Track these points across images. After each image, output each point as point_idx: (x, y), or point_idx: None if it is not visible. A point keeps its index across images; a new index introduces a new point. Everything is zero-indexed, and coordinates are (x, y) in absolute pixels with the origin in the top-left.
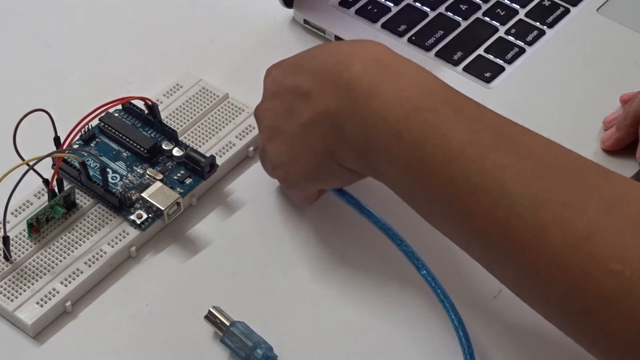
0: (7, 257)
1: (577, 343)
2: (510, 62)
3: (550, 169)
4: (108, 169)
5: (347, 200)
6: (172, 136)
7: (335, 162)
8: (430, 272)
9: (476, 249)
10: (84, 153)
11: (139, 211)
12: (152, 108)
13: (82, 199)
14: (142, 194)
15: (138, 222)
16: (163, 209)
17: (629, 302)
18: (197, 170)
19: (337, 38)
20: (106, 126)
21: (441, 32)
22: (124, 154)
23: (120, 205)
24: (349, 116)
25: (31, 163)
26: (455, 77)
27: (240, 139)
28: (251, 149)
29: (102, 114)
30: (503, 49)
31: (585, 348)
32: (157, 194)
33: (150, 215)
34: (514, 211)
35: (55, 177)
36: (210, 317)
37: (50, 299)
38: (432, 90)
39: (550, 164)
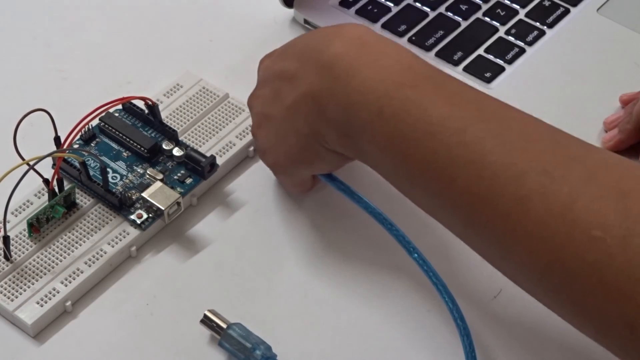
0: (7, 257)
1: (559, 315)
2: (510, 62)
3: (531, 141)
4: (108, 169)
5: (337, 186)
6: (172, 136)
7: (320, 144)
8: (422, 255)
9: (458, 224)
10: (84, 153)
11: (139, 211)
12: (153, 108)
13: (83, 199)
14: (143, 194)
15: (138, 221)
16: (163, 208)
17: (611, 269)
18: (197, 170)
19: None
20: (106, 126)
21: (441, 32)
22: (124, 153)
23: (120, 205)
24: (331, 95)
25: (31, 163)
26: (455, 77)
27: (241, 139)
28: (251, 148)
29: (102, 114)
30: (503, 49)
31: (567, 319)
32: (157, 193)
33: (150, 215)
34: (496, 182)
35: (56, 176)
36: (206, 321)
37: (50, 299)
38: (413, 67)
39: (531, 136)
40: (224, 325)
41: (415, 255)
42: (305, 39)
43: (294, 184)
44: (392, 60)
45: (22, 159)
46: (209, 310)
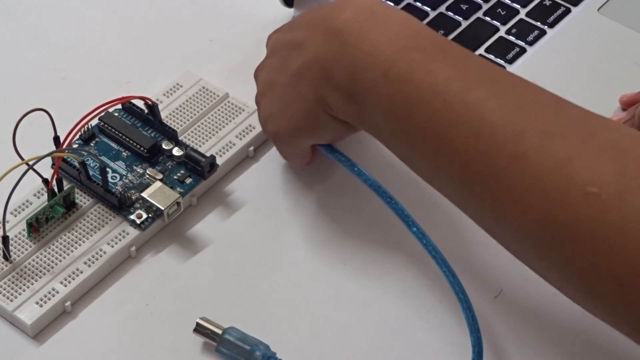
0: (6, 257)
1: (548, 280)
2: (511, 62)
3: (532, 102)
4: (108, 169)
5: (337, 157)
6: (172, 136)
7: (324, 111)
8: (421, 229)
9: (453, 186)
10: (83, 152)
11: (139, 211)
12: (152, 108)
13: (82, 199)
14: (142, 194)
15: (138, 221)
16: (163, 208)
17: (603, 224)
18: (197, 170)
19: None
20: (106, 126)
21: (442, 31)
22: (123, 153)
23: (120, 205)
24: (338, 59)
25: (31, 163)
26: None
27: (241, 139)
28: (251, 148)
29: (102, 114)
30: (504, 49)
31: (556, 283)
32: (157, 193)
33: (150, 215)
34: (494, 140)
35: (55, 176)
36: (199, 330)
37: (49, 299)
38: (422, 33)
39: (532, 98)
40: (219, 331)
41: (415, 229)
42: (314, 10)
43: (294, 154)
44: (401, 27)
45: (22, 158)
46: (201, 318)
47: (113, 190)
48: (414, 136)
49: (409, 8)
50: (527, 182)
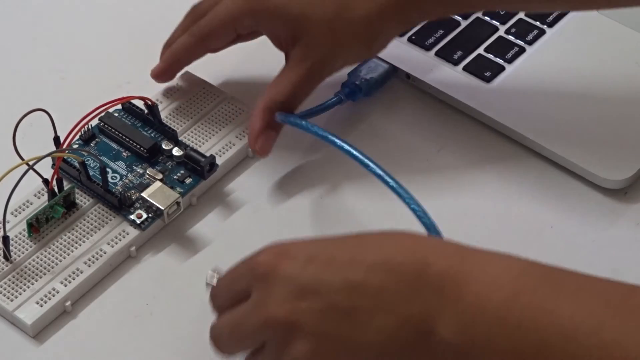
0: (6, 257)
1: None
2: (510, 61)
3: None
4: (108, 169)
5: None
6: (172, 136)
7: None
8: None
9: None
10: (83, 153)
11: (139, 211)
12: (152, 108)
13: (82, 199)
14: (142, 194)
15: (138, 221)
16: (163, 208)
17: None
18: (197, 170)
19: None
20: (106, 126)
21: (441, 31)
22: (123, 153)
23: (120, 205)
24: (441, 317)
25: (31, 163)
26: (455, 77)
27: (240, 139)
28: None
29: (102, 114)
30: (503, 49)
31: None
32: (156, 193)
33: (150, 215)
34: None
35: (55, 176)
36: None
37: (50, 299)
38: (524, 271)
39: None
40: None
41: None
42: (373, 246)
43: None
44: (500, 269)
45: (22, 159)
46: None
47: (113, 190)
48: None
49: None
50: None
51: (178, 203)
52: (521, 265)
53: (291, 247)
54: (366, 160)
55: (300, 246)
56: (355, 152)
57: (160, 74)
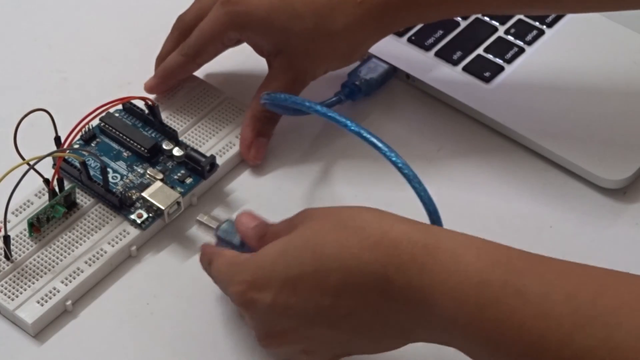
0: (7, 257)
1: None
2: (509, 61)
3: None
4: (108, 169)
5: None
6: (172, 136)
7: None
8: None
9: None
10: (84, 153)
11: (140, 210)
12: (153, 108)
13: (83, 199)
14: (143, 194)
15: (138, 221)
16: (163, 208)
17: None
18: (197, 170)
19: None
20: (107, 126)
21: (441, 31)
22: (124, 153)
23: (120, 204)
24: (414, 330)
25: (32, 163)
26: (454, 77)
27: None
28: None
29: (103, 114)
30: (502, 49)
31: None
32: (157, 193)
33: (150, 214)
34: None
35: (56, 176)
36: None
37: (50, 298)
38: (484, 279)
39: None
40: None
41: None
42: (331, 263)
43: None
44: (459, 277)
45: (22, 158)
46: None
47: (114, 190)
48: None
49: None
50: None
51: (179, 203)
52: (480, 274)
53: (259, 277)
54: (355, 127)
55: (267, 275)
56: (347, 122)
57: (154, 88)
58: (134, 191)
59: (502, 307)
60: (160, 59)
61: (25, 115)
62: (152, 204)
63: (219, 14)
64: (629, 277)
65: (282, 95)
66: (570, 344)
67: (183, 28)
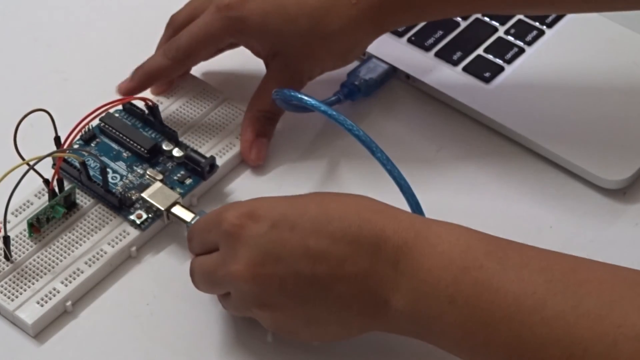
0: (7, 257)
1: None
2: (509, 62)
3: (612, 303)
4: (108, 169)
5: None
6: (172, 137)
7: (368, 331)
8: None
9: None
10: (84, 153)
11: (139, 211)
12: (153, 109)
13: (83, 199)
14: (142, 194)
15: (138, 222)
16: (163, 209)
17: None
18: (197, 171)
19: None
20: (107, 126)
21: (441, 32)
22: (124, 154)
23: (120, 205)
24: (396, 290)
25: (31, 163)
26: (454, 77)
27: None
28: None
29: (103, 114)
30: (502, 49)
31: None
32: (157, 194)
33: (150, 215)
34: (590, 356)
35: (56, 177)
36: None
37: (50, 299)
38: (470, 246)
39: (610, 296)
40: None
41: (379, 154)
42: (334, 216)
43: None
44: (449, 244)
45: (22, 159)
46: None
47: (113, 190)
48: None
49: None
50: None
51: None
52: (468, 239)
53: (259, 208)
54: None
55: (267, 208)
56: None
57: (131, 91)
58: (133, 192)
59: (483, 271)
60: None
61: (25, 116)
62: (152, 205)
63: (214, 18)
64: (601, 262)
65: (294, 93)
66: (542, 309)
67: (177, 29)
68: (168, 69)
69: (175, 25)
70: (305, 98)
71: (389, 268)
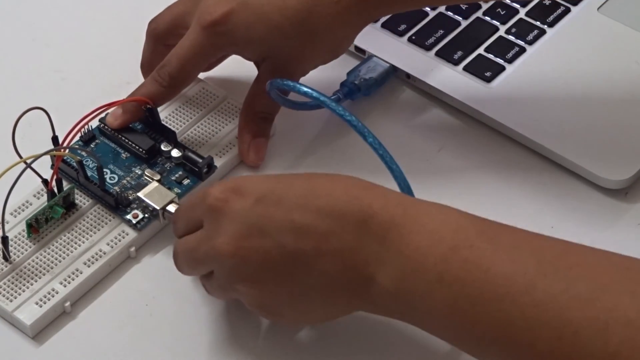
0: (6, 258)
1: None
2: (510, 61)
3: (604, 287)
4: (106, 170)
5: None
6: (171, 137)
7: (352, 311)
8: (377, 139)
9: None
10: (80, 152)
11: (135, 211)
12: (152, 110)
13: (82, 200)
14: (138, 194)
15: (134, 221)
16: (158, 208)
17: None
18: (195, 171)
19: None
20: (106, 127)
21: (441, 31)
22: (123, 154)
23: (116, 204)
24: (382, 267)
25: (28, 161)
26: (455, 77)
27: None
28: None
29: (102, 115)
30: (503, 49)
31: None
32: (153, 193)
33: (146, 215)
34: (579, 340)
35: (55, 177)
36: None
37: (49, 299)
38: (462, 225)
39: (601, 280)
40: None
41: (371, 139)
42: (321, 192)
43: None
44: (440, 223)
45: (20, 157)
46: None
47: (110, 190)
48: (483, 342)
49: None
50: None
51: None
52: (459, 218)
53: (245, 183)
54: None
55: (253, 184)
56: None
57: (123, 123)
58: (131, 192)
59: (474, 251)
60: (143, 68)
61: (23, 114)
62: (148, 204)
63: (201, 37)
64: (593, 248)
65: (287, 82)
66: (532, 291)
67: (159, 37)
68: (162, 95)
69: (157, 37)
70: (299, 86)
71: (376, 244)
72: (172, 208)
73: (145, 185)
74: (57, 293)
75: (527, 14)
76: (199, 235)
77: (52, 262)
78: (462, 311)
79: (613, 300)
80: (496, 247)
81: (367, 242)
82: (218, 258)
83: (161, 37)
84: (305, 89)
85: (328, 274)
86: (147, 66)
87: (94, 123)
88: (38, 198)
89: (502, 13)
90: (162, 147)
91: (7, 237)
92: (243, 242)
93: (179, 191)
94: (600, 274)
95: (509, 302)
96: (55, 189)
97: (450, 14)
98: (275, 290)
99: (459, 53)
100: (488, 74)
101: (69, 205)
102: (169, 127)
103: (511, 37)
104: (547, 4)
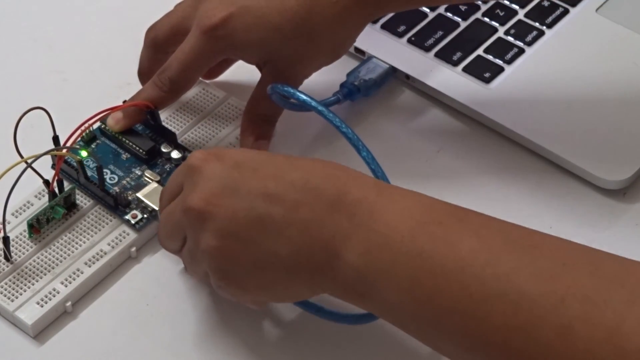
0: (7, 258)
1: None
2: (509, 62)
3: (565, 266)
4: (107, 170)
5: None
6: (171, 139)
7: (316, 292)
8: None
9: None
10: (81, 152)
11: (134, 211)
12: (153, 112)
13: (83, 200)
14: (137, 194)
15: (133, 221)
16: (157, 209)
17: None
18: None
19: None
20: (107, 128)
21: (441, 32)
22: (123, 156)
23: (115, 204)
24: (348, 241)
25: (29, 161)
26: (454, 78)
27: None
28: None
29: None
30: (502, 50)
31: None
32: (152, 194)
33: (145, 215)
34: (534, 313)
35: (56, 177)
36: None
37: (50, 299)
38: (433, 205)
39: (564, 260)
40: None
41: (364, 153)
42: (297, 168)
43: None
44: (412, 201)
45: (21, 156)
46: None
47: (110, 190)
48: (440, 315)
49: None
50: (579, 354)
51: None
52: (432, 200)
53: (227, 151)
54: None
55: (235, 152)
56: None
57: (123, 126)
58: (130, 192)
59: (442, 227)
60: (142, 76)
61: (24, 114)
62: (147, 205)
63: (201, 41)
64: (559, 237)
65: (287, 88)
66: (495, 264)
67: (159, 46)
68: (163, 100)
69: (157, 46)
70: (298, 94)
71: (345, 219)
72: None
73: (145, 186)
74: (58, 293)
75: (525, 15)
76: (177, 199)
77: (53, 262)
78: (421, 283)
79: (572, 277)
80: (464, 225)
81: (337, 217)
82: (187, 215)
83: (161, 45)
84: (304, 97)
85: (294, 242)
86: (146, 74)
87: (95, 123)
88: (39, 198)
89: (501, 14)
90: (163, 149)
91: (8, 237)
92: (213, 199)
93: None
94: (562, 253)
95: (469, 274)
96: (57, 190)
97: (449, 15)
98: (239, 254)
99: (458, 54)
100: (487, 75)
101: (70, 206)
102: (170, 128)
103: (510, 38)
104: (546, 5)
